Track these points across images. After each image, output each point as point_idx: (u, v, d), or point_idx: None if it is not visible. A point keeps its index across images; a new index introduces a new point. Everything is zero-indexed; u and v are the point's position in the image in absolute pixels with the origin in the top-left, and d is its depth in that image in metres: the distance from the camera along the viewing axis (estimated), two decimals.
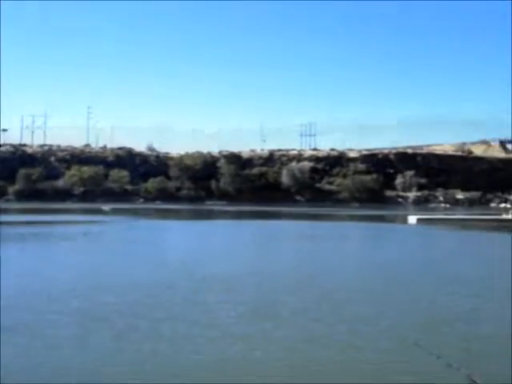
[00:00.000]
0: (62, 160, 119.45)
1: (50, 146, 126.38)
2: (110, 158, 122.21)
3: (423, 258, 26.48)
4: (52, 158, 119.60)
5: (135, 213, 71.09)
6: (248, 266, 21.46)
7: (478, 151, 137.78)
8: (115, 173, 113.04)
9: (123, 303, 14.04)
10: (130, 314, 12.84)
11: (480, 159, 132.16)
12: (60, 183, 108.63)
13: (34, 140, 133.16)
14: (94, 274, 19.28)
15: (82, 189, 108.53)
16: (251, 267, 21.13)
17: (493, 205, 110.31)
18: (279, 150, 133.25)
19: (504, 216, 62.36)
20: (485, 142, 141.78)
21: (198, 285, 16.90)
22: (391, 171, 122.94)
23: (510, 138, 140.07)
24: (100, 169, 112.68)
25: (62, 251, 27.11)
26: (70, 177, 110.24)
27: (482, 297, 15.95)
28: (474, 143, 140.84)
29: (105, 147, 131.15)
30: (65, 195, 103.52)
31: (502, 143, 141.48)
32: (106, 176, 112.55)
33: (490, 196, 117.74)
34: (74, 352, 9.94)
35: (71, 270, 19.95)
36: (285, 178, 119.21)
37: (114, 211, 68.55)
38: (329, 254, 27.68)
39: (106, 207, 75.37)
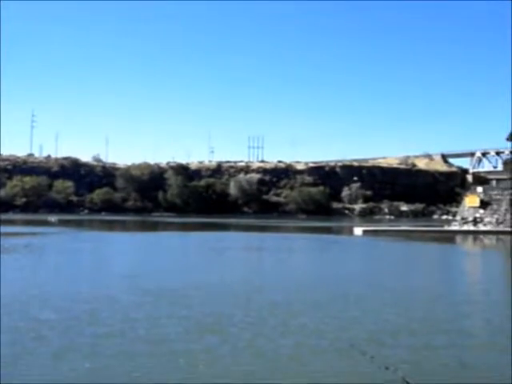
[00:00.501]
0: (3, 170, 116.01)
1: None
2: (55, 169, 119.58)
3: (368, 270, 26.73)
4: None
5: (80, 224, 69.60)
6: (194, 279, 21.14)
7: (421, 164, 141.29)
8: (59, 183, 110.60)
9: (61, 319, 13.49)
10: (68, 331, 12.33)
11: (423, 172, 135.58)
12: (1, 194, 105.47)
13: None
14: (32, 288, 18.57)
15: (24, 199, 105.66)
16: (197, 280, 20.83)
17: (435, 216, 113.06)
18: (227, 162, 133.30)
19: (446, 227, 63.98)
20: (427, 156, 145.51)
21: (142, 298, 16.49)
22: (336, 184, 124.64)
23: (451, 152, 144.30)
24: (43, 179, 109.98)
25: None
26: (12, 187, 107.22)
27: (427, 307, 16.14)
28: (417, 156, 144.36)
29: (49, 157, 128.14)
30: (6, 206, 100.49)
31: (444, 157, 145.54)
32: (50, 186, 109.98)
33: (432, 208, 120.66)
34: (8, 374, 9.44)
35: (7, 284, 19.15)
36: (232, 190, 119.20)
37: (61, 222, 66.89)
38: (276, 266, 27.62)
39: (52, 218, 73.70)
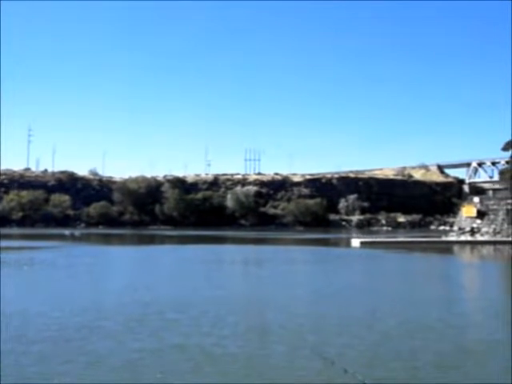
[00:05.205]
0: (0, 184, 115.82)
1: None
2: (51, 183, 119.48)
3: (369, 284, 26.52)
4: None
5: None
6: (187, 295, 20.78)
7: (418, 175, 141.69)
8: (56, 197, 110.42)
9: (37, 341, 12.88)
10: (39, 357, 11.59)
11: (420, 183, 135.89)
12: None
13: None
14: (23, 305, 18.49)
15: (20, 214, 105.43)
16: (191, 296, 20.50)
17: (432, 227, 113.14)
18: (224, 175, 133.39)
19: (443, 238, 64.01)
20: (424, 167, 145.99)
21: (129, 324, 15.11)
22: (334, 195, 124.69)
23: (447, 163, 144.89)
24: (40, 193, 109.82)
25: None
26: (9, 201, 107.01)
27: (425, 319, 16.11)
28: (413, 167, 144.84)
29: (46, 171, 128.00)
30: (3, 220, 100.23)
31: (440, 167, 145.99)
32: (47, 201, 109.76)
33: (429, 219, 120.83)
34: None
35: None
36: (229, 203, 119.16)
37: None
38: (274, 280, 27.40)
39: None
